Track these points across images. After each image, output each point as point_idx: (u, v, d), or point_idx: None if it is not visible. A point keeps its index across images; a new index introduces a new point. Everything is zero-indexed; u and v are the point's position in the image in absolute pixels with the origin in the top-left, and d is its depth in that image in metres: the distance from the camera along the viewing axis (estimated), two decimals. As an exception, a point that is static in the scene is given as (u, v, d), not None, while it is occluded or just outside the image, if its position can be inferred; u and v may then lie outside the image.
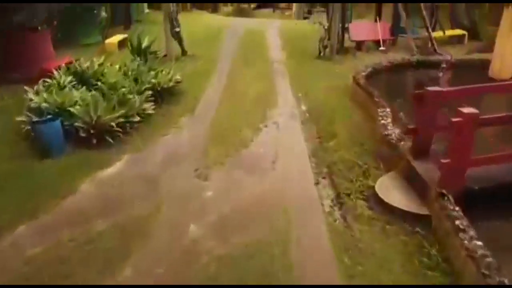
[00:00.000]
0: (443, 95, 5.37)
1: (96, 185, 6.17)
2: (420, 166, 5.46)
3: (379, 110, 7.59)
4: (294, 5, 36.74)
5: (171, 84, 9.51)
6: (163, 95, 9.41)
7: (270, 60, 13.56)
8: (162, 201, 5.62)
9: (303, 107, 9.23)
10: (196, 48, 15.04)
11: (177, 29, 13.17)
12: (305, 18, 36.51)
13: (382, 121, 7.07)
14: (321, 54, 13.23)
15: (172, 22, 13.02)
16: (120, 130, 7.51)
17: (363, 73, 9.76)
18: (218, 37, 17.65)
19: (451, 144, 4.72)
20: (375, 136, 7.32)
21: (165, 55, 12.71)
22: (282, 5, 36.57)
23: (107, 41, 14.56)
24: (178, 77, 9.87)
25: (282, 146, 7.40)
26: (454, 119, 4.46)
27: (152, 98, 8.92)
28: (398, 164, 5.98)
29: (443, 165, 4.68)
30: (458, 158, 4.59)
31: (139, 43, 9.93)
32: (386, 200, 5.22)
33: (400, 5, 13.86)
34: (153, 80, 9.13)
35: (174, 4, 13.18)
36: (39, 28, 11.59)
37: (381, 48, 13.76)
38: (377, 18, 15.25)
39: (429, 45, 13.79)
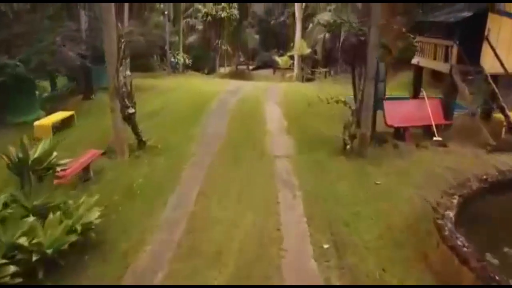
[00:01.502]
0: None
1: None
2: None
3: None
4: (296, 66, 33.04)
5: (70, 239, 4.54)
6: (55, 261, 4.45)
7: (271, 155, 8.69)
8: None
9: (340, 299, 4.17)
10: (167, 132, 10.32)
11: (131, 110, 8.44)
12: (308, 80, 32.73)
13: None
14: (348, 147, 8.37)
15: (123, 99, 8.32)
16: None
17: (450, 214, 4.80)
18: (204, 111, 12.99)
19: None
20: None
21: (103, 153, 7.85)
22: (283, 65, 32.81)
23: (36, 123, 9.84)
24: (91, 218, 4.91)
25: None
26: None
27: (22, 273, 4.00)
28: None
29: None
30: None
31: (25, 153, 5.04)
32: None
33: (456, 72, 9.26)
34: (21, 241, 4.17)
35: (128, 71, 8.58)
36: None
37: (436, 138, 8.91)
38: (417, 91, 10.69)
39: (504, 131, 9.06)
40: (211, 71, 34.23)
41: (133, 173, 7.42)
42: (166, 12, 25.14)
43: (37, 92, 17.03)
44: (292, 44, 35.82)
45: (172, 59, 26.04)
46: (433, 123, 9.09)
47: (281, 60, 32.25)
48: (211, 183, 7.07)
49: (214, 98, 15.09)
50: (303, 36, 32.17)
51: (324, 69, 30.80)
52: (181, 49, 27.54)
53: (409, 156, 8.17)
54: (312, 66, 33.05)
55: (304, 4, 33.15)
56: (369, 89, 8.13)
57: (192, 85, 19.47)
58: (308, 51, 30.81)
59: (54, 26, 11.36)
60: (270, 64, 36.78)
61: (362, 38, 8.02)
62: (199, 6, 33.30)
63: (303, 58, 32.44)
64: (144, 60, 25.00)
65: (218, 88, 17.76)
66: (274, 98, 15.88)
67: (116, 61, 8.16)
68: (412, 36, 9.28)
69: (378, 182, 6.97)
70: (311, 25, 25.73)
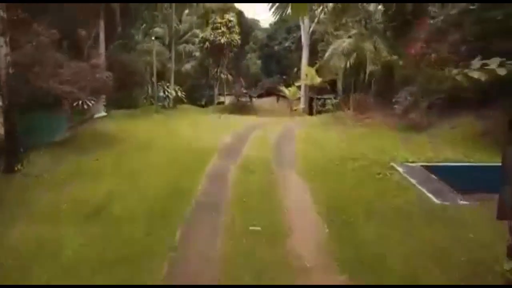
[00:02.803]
0: None
1: None
2: None
3: None
4: (302, 96, 28.19)
5: None
6: None
7: None
8: None
9: None
10: (101, 273, 4.94)
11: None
12: (318, 112, 27.81)
13: None
14: None
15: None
16: None
17: None
18: (184, 200, 7.31)
19: None
20: None
21: None
22: (291, 97, 27.83)
23: None
24: None
25: None
26: None
27: None
28: None
29: None
30: None
31: None
32: None
33: None
34: None
35: None
36: None
37: None
38: None
39: None
40: (209, 102, 29.33)
41: None
42: (153, 38, 20.17)
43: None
44: (295, 70, 31.28)
45: (161, 93, 20.93)
46: None
47: (288, 91, 27.31)
48: None
49: (204, 165, 9.75)
50: (309, 63, 27.57)
51: (335, 100, 25.91)
52: (172, 80, 22.52)
53: None
54: (317, 93, 28.47)
55: (311, 28, 28.70)
56: None
57: (178, 133, 14.32)
58: (319, 80, 25.95)
59: None
60: (272, 92, 32.31)
61: None
62: (196, 30, 28.76)
63: (310, 87, 27.76)
64: (127, 93, 19.87)
65: (213, 141, 12.62)
66: (290, 159, 10.71)
67: None
68: None
69: None
70: (327, 53, 20.66)
